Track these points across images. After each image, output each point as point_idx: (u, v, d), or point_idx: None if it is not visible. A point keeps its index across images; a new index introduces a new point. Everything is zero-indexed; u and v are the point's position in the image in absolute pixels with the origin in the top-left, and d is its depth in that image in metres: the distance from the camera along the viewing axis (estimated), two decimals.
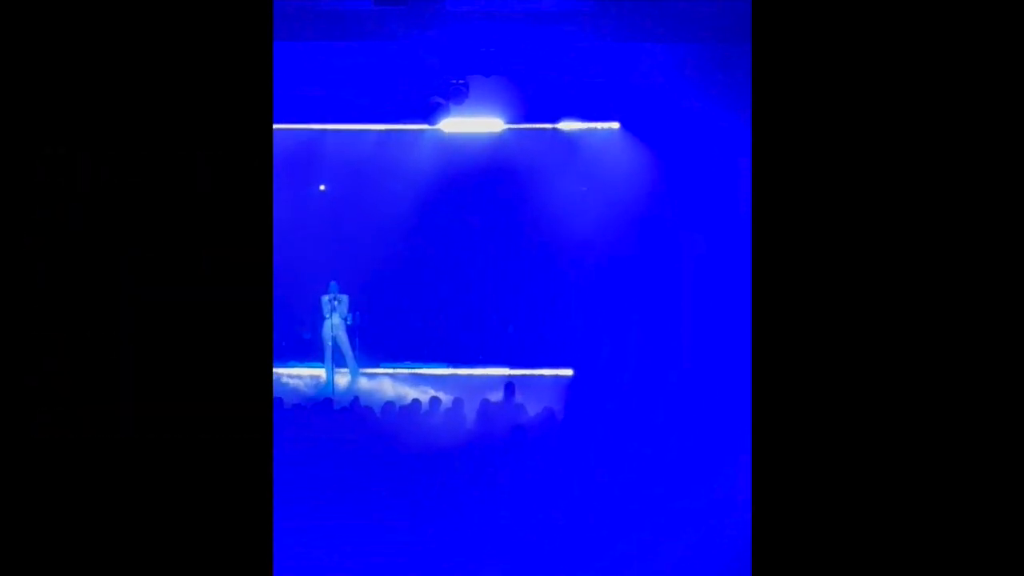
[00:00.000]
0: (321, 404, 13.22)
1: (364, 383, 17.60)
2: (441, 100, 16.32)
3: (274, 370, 17.74)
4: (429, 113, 16.74)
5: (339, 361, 17.81)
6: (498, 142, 18.46)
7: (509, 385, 14.10)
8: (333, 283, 17.69)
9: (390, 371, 18.09)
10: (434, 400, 13.17)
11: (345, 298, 17.66)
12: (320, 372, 17.89)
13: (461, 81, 16.09)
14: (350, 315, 17.63)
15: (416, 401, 13.24)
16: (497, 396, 13.78)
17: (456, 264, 19.04)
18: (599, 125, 17.98)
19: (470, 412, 12.87)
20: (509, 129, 18.30)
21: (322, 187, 19.18)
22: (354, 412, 13.01)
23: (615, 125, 17.94)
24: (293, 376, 17.96)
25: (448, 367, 18.23)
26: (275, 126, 17.60)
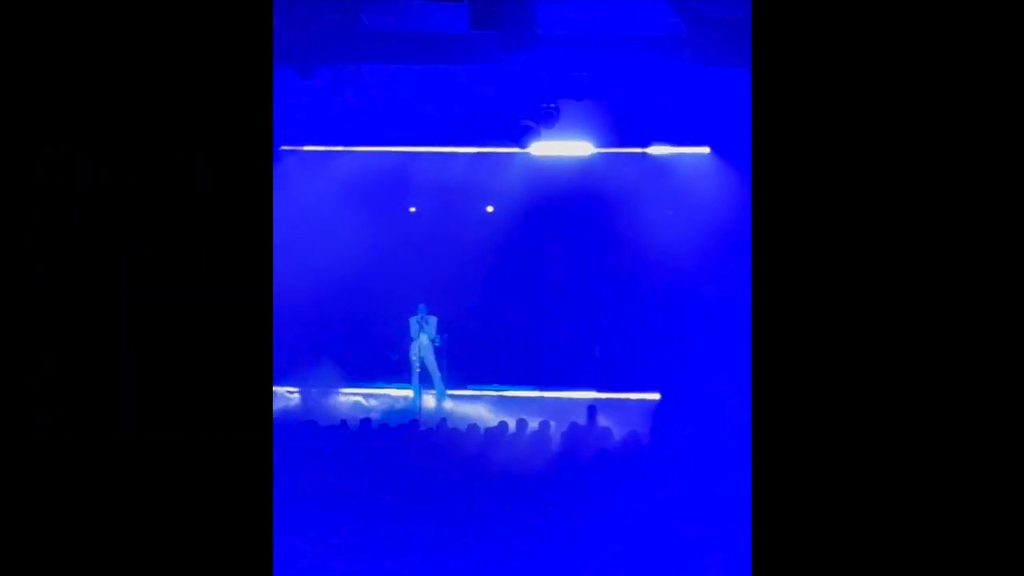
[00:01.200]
0: (408, 425, 13.28)
1: (451, 404, 17.63)
2: (532, 123, 16.36)
3: (362, 391, 17.94)
4: (520, 136, 16.79)
5: (426, 382, 17.86)
6: (587, 166, 18.47)
7: (591, 409, 14.07)
8: (421, 305, 17.77)
9: (477, 393, 18.11)
10: (521, 422, 13.17)
11: (433, 319, 17.72)
12: (407, 393, 17.96)
13: (552, 105, 16.11)
14: (438, 336, 17.67)
15: (503, 423, 13.24)
16: (583, 419, 13.75)
17: (544, 287, 19.04)
18: (689, 150, 17.92)
19: (556, 435, 12.86)
20: (599, 153, 18.30)
21: (412, 209, 19.31)
22: (440, 433, 13.06)
23: (705, 150, 17.86)
24: (380, 396, 18.04)
25: (535, 390, 18.21)
26: (368, 148, 17.84)
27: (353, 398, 17.80)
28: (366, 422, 13.31)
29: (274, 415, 13.75)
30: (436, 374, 17.80)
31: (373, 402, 17.67)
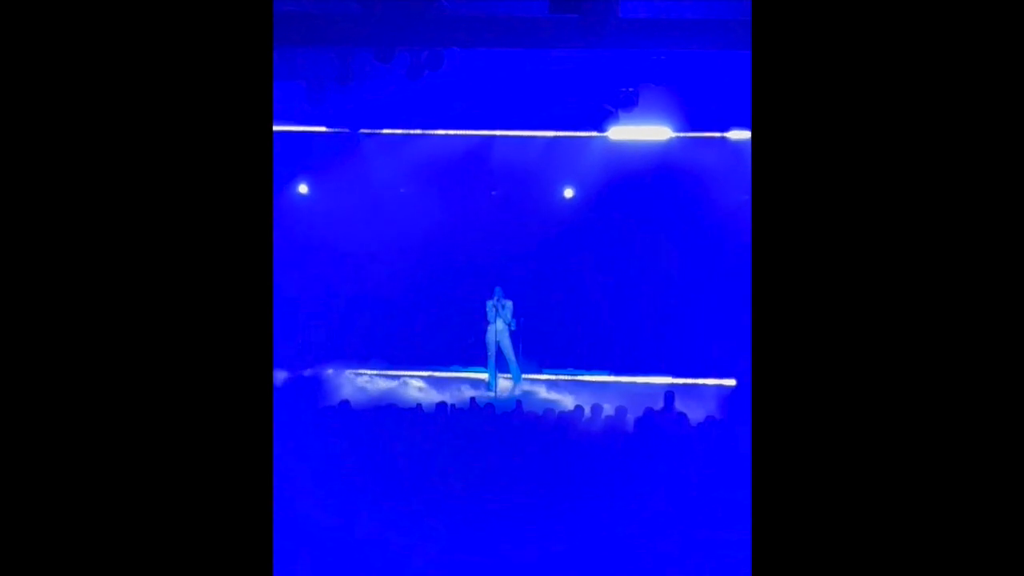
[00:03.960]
0: (483, 409, 13.29)
1: (526, 388, 17.67)
2: (610, 107, 16.34)
3: (439, 374, 18.04)
4: (598, 120, 16.78)
5: (502, 366, 17.90)
6: (665, 150, 18.41)
7: (669, 394, 14.00)
8: (498, 288, 17.80)
9: (553, 377, 18.14)
10: (596, 407, 13.14)
11: (509, 303, 17.74)
12: (483, 377, 18.01)
13: (631, 89, 16.07)
14: (514, 320, 17.70)
15: (579, 408, 13.22)
16: (659, 405, 13.68)
17: (620, 271, 19.03)
18: None
19: (632, 420, 12.81)
20: (677, 137, 18.23)
21: (493, 192, 19.36)
22: (516, 417, 13.06)
23: None
24: (456, 380, 18.12)
25: (611, 374, 18.20)
26: (446, 132, 18.01)
27: (429, 382, 17.91)
28: (442, 406, 13.35)
29: (348, 399, 13.93)
30: (512, 358, 17.83)
31: (449, 386, 17.75)
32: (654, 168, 18.45)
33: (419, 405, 13.57)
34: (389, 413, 12.92)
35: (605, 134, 17.69)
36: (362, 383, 17.68)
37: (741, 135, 17.93)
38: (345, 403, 13.30)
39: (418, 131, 18.92)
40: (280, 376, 15.78)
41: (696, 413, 13.03)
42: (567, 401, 15.69)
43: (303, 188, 19.29)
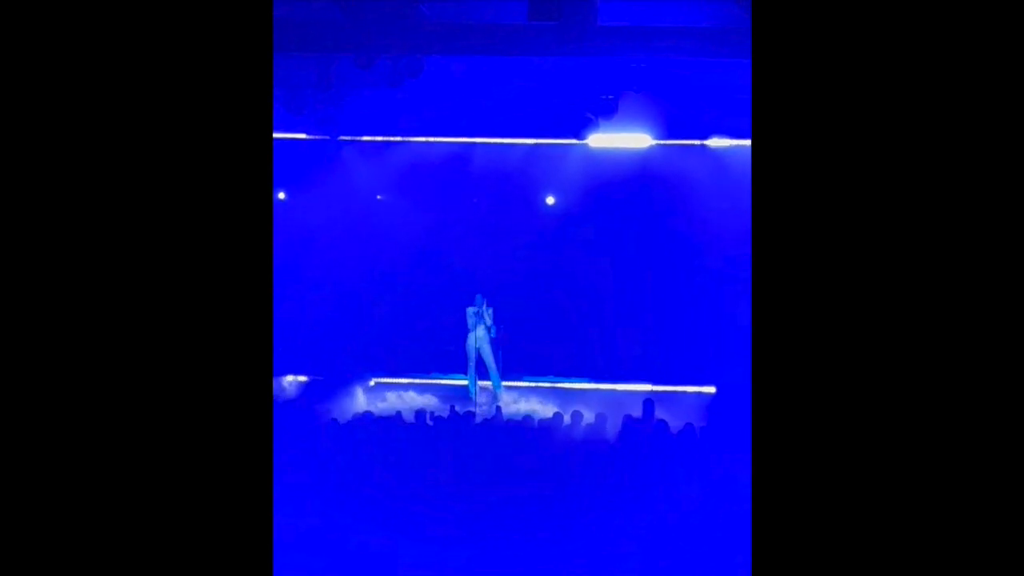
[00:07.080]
0: (463, 416, 13.29)
1: (506, 396, 17.66)
2: (590, 115, 16.36)
3: (418, 381, 18.02)
4: (578, 128, 16.79)
5: (482, 373, 17.88)
6: (645, 158, 18.43)
7: (648, 402, 14.03)
8: (479, 295, 17.77)
9: (533, 384, 18.14)
10: (576, 414, 13.15)
11: (490, 310, 17.71)
12: (463, 384, 17.99)
13: (610, 96, 16.09)
14: (494, 327, 17.67)
15: (558, 415, 13.23)
16: (638, 412, 13.70)
17: (601, 278, 19.04)
18: (748, 142, 17.80)
19: (612, 428, 12.82)
20: (657, 145, 18.26)
21: (474, 199, 19.34)
22: (496, 424, 13.06)
23: None
24: (436, 387, 18.10)
25: (591, 382, 18.21)
26: (428, 139, 17.98)
27: (408, 389, 17.88)
28: (421, 414, 13.35)
29: (332, 408, 13.88)
30: (492, 365, 17.80)
31: (428, 392, 17.73)
32: (634, 176, 18.48)
33: (399, 413, 13.57)
34: (367, 421, 12.91)
35: (585, 142, 17.71)
36: (342, 391, 17.64)
37: (720, 143, 17.97)
38: (326, 412, 13.30)
39: (398, 138, 18.92)
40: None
41: (676, 421, 13.04)
42: (547, 408, 15.68)
43: (281, 195, 19.24)
